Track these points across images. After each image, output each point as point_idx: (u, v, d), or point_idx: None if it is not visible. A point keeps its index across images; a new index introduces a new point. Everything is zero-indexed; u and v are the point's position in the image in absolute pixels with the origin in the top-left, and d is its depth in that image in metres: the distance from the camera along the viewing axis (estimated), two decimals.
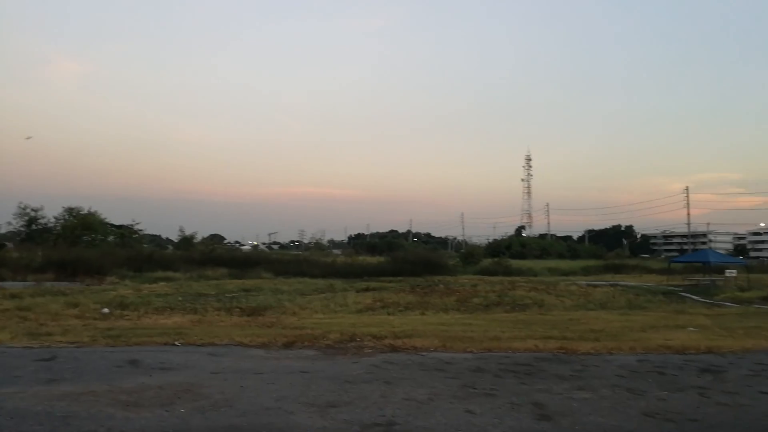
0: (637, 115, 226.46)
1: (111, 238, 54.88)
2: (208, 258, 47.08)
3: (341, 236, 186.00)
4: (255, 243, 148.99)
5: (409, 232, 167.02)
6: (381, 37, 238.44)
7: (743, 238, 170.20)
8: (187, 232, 63.89)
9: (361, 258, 65.61)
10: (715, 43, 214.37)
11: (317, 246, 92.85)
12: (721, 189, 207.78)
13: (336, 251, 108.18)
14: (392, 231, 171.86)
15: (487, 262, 57.17)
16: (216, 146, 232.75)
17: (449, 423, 6.31)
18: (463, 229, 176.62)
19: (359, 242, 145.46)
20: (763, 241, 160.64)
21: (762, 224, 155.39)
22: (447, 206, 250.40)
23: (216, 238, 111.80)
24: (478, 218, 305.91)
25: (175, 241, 70.17)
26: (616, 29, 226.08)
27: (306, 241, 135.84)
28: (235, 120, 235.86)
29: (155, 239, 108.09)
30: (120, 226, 59.20)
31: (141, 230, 60.46)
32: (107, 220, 57.04)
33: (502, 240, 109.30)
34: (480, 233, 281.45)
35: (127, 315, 17.50)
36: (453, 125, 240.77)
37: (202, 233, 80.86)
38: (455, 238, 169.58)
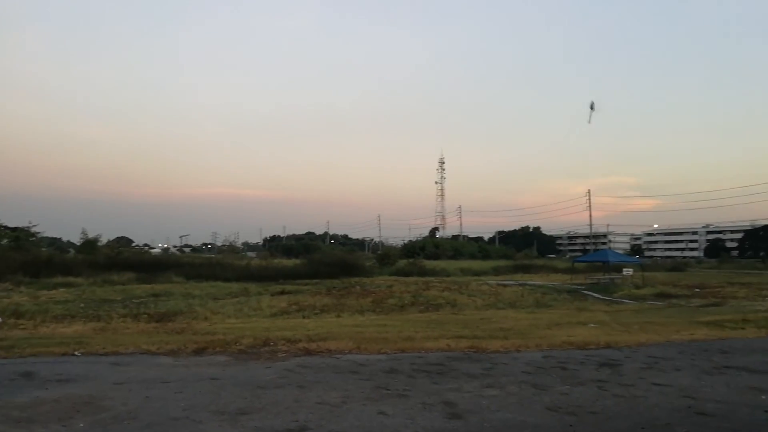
0: (544, 119, 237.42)
1: (5, 241, 51.01)
2: (113, 262, 44.73)
3: (256, 238, 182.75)
4: (165, 246, 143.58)
5: (326, 233, 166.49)
6: (295, 36, 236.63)
7: (639, 238, 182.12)
8: (91, 235, 60.44)
9: (276, 260, 64.66)
10: (615, 51, 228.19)
11: (231, 248, 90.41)
12: (620, 192, 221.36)
13: (251, 254, 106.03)
14: (309, 233, 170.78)
15: (402, 263, 57.85)
16: (124, 145, 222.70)
17: (362, 425, 6.32)
18: (380, 230, 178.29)
19: (275, 244, 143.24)
20: (656, 241, 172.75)
21: (655, 225, 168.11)
22: (364, 208, 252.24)
23: (123, 241, 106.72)
24: (394, 220, 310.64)
25: (78, 244, 66.16)
26: (530, 29, 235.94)
27: (219, 244, 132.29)
28: (145, 118, 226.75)
29: (55, 242, 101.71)
30: (15, 229, 55.16)
31: (39, 233, 56.68)
32: (0, 222, 53.07)
33: (417, 241, 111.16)
34: (396, 235, 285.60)
35: (22, 324, 16.33)
36: (370, 126, 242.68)
37: (108, 236, 76.84)
38: (372, 240, 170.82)
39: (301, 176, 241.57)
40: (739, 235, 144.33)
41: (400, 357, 10.61)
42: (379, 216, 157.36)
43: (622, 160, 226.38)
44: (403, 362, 10.01)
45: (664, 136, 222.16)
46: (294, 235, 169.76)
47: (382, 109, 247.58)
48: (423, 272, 50.18)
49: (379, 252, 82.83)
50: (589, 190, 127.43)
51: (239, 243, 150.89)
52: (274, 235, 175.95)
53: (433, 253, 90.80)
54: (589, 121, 64.35)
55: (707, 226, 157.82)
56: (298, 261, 56.92)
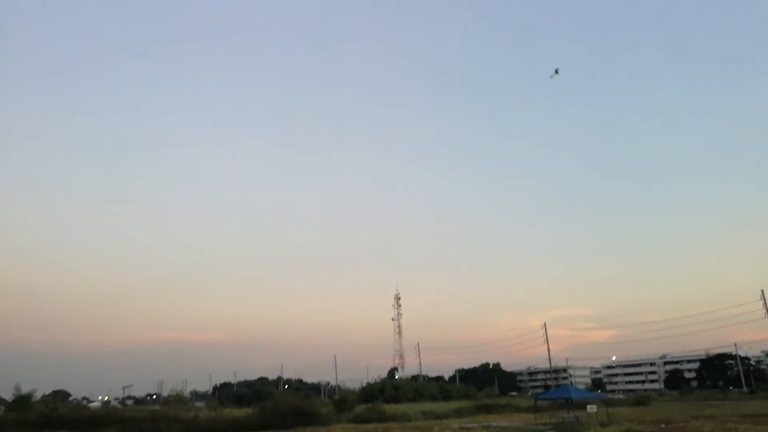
0: (495, 252, 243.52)
1: None
2: (47, 420, 41.17)
3: (206, 386, 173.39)
4: (106, 398, 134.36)
5: (279, 378, 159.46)
6: (243, 178, 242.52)
7: (599, 371, 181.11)
8: (25, 390, 56.19)
9: (227, 410, 60.93)
10: (563, 194, 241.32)
11: (178, 399, 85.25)
12: (576, 324, 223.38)
13: (199, 404, 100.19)
14: (262, 378, 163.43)
15: (361, 408, 55.30)
16: (62, 290, 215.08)
17: None
18: (336, 372, 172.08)
19: (225, 392, 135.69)
20: (616, 374, 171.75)
21: (614, 357, 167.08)
22: (319, 349, 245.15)
23: (60, 395, 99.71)
24: (351, 360, 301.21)
25: (9, 400, 61.14)
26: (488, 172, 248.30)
27: (165, 394, 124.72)
28: (82, 263, 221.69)
29: None
30: None
31: None
32: None
33: (375, 383, 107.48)
34: (354, 377, 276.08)
35: None
36: (323, 264, 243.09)
37: (44, 389, 71.70)
38: (328, 383, 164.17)
39: (252, 317, 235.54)
40: (695, 365, 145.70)
41: None
42: (335, 356, 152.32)
43: (576, 292, 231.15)
44: None
45: (615, 268, 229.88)
46: (246, 381, 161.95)
47: (335, 246, 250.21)
48: (383, 418, 47.90)
49: (336, 397, 79.34)
50: (545, 323, 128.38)
51: (187, 392, 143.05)
52: (225, 382, 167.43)
53: (392, 395, 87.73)
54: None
55: (664, 356, 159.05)
56: (249, 410, 53.69)
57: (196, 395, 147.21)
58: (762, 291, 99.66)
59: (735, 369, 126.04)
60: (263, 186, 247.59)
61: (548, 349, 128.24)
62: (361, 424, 42.54)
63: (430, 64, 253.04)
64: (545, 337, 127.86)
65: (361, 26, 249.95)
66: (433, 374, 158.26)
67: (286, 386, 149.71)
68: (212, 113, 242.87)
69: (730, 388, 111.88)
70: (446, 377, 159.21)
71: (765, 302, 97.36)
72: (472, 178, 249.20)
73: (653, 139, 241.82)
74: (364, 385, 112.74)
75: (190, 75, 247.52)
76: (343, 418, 49.16)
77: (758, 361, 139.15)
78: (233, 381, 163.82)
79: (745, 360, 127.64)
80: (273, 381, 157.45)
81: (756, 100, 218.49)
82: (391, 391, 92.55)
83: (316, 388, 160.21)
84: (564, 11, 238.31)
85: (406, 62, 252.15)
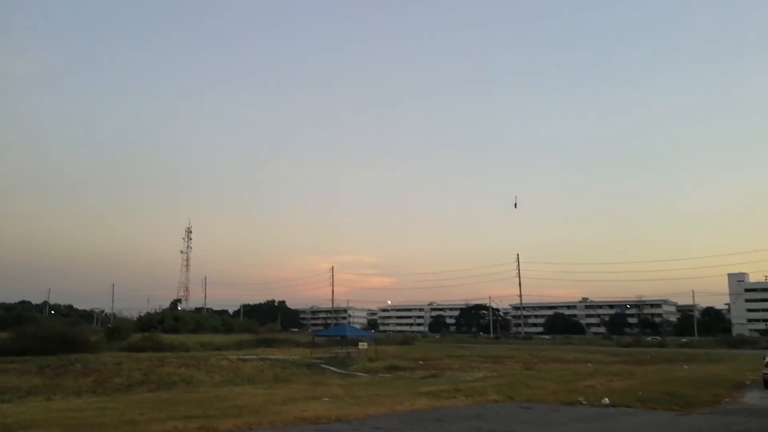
0: (291, 196, 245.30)
1: None
2: None
3: None
4: None
5: (45, 303, 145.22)
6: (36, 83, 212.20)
7: (375, 313, 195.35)
8: None
9: None
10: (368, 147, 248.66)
11: None
12: (360, 269, 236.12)
13: None
14: (24, 302, 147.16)
15: (136, 337, 52.91)
16: None
17: None
18: (113, 301, 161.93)
19: None
20: (389, 317, 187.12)
21: (389, 302, 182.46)
22: (95, 276, 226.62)
23: None
24: (131, 290, 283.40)
25: None
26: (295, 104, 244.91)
27: None
28: None
29: None
30: None
31: None
32: None
33: (155, 314, 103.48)
34: (133, 306, 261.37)
35: None
36: (107, 186, 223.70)
37: None
38: (103, 311, 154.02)
39: (16, 237, 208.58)
40: (456, 312, 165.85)
41: None
42: (113, 285, 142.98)
43: (363, 241, 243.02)
44: None
45: (400, 221, 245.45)
46: (4, 304, 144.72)
47: (125, 172, 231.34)
48: (160, 347, 46.44)
49: (109, 325, 74.80)
50: (332, 266, 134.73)
51: None
52: None
53: (172, 326, 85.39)
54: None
55: (431, 303, 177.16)
56: (5, 335, 48.31)
57: None
58: (517, 255, 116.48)
59: (487, 318, 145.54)
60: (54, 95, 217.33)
61: (332, 291, 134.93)
62: (135, 353, 40.85)
63: None
64: (331, 280, 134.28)
65: None
66: (218, 308, 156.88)
67: (53, 312, 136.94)
68: None
69: (481, 333, 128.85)
70: (231, 312, 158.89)
71: (518, 265, 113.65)
72: (278, 112, 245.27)
73: None
74: (142, 314, 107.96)
75: None
76: (115, 347, 46.68)
77: (505, 313, 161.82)
78: None
79: (495, 311, 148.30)
80: (38, 305, 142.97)
81: None
82: (172, 321, 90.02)
83: (88, 316, 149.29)
84: None
85: None
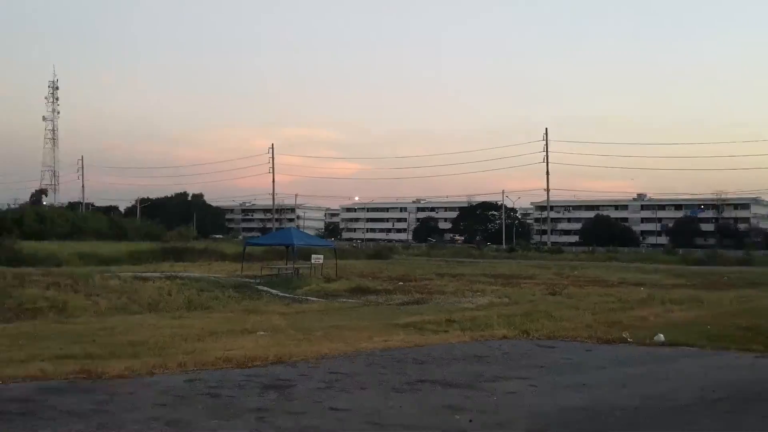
0: (222, 30, 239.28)
1: None
2: None
3: None
4: None
5: None
6: None
7: (336, 214, 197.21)
8: None
9: None
10: None
11: None
12: (315, 151, 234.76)
13: None
14: None
15: None
16: None
17: None
18: None
19: None
20: (357, 219, 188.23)
21: (357, 198, 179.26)
22: None
23: None
24: None
25: None
26: None
27: None
28: None
29: None
30: None
31: None
32: None
33: (9, 211, 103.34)
34: None
35: None
36: None
37: None
38: None
39: None
40: (453, 214, 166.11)
41: None
42: None
43: (319, 107, 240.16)
44: None
45: (375, 76, 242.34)
46: None
47: None
48: (17, 260, 46.76)
49: None
50: (272, 144, 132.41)
51: None
52: None
53: (36, 230, 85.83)
54: None
55: (418, 201, 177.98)
56: None
57: None
58: (546, 129, 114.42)
59: (497, 222, 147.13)
60: None
61: (273, 181, 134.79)
62: None
63: None
64: (271, 164, 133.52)
65: None
66: (103, 204, 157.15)
67: None
68: None
69: (488, 244, 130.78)
70: (122, 210, 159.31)
71: (546, 144, 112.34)
72: None
73: None
74: None
75: None
76: None
77: (525, 215, 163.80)
78: None
79: (511, 212, 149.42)
80: None
81: None
82: (34, 223, 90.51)
83: None
84: None
85: None
